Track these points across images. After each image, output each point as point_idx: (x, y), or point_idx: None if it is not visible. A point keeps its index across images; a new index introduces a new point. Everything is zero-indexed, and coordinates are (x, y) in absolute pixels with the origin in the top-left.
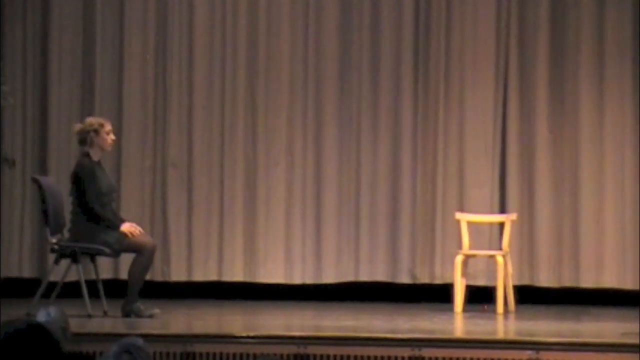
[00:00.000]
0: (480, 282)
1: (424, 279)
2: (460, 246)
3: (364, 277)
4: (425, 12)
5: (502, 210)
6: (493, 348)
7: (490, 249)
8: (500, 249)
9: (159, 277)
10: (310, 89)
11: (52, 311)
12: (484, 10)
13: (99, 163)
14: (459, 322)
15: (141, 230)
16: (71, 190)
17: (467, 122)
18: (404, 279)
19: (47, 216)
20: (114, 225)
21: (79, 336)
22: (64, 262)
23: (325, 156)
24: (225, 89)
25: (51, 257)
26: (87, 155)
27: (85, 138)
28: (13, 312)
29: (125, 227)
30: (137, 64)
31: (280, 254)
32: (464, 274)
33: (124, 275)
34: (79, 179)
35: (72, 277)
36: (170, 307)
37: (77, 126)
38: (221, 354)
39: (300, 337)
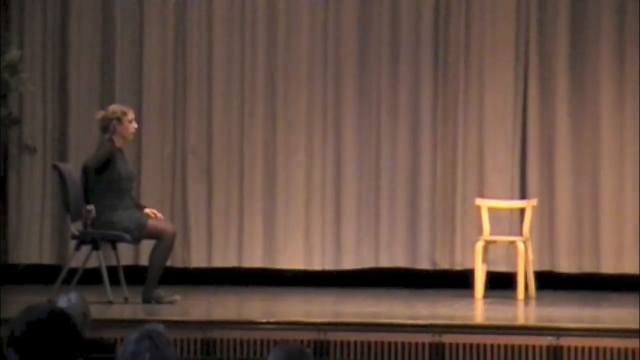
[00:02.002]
0: (501, 268)
1: (444, 265)
2: (480, 232)
3: (384, 263)
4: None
5: (523, 196)
6: (513, 334)
7: (510, 235)
8: (521, 234)
9: (179, 264)
10: (329, 75)
11: (72, 297)
12: None
13: (120, 150)
14: (479, 308)
15: (161, 216)
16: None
17: (487, 109)
18: (424, 265)
19: (67, 203)
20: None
21: (100, 322)
22: (85, 249)
23: (345, 143)
24: (244, 76)
25: (72, 243)
26: (110, 140)
27: (108, 126)
28: (34, 299)
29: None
30: (156, 51)
31: (300, 240)
32: (485, 260)
33: (144, 261)
34: (96, 154)
35: (92, 263)
36: (190, 293)
37: (100, 113)
38: (241, 340)
39: (320, 324)
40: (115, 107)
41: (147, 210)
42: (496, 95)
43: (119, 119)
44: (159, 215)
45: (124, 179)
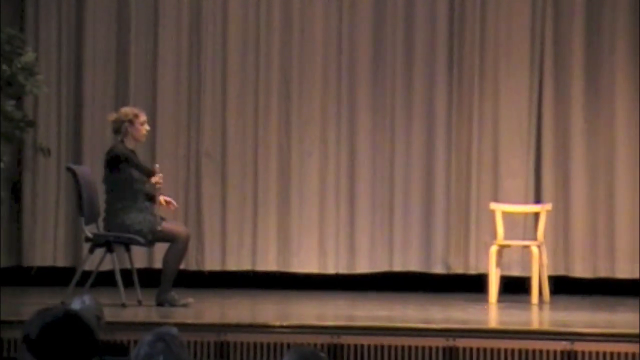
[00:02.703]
0: (515, 272)
1: (458, 269)
2: (494, 236)
3: (397, 267)
4: (460, 1)
5: (537, 200)
6: (528, 338)
7: (524, 239)
8: (535, 239)
9: (193, 267)
10: (343, 78)
11: (86, 300)
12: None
13: (133, 152)
14: (493, 313)
15: (176, 204)
16: (105, 178)
17: (502, 112)
18: (438, 269)
19: (81, 205)
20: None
21: (113, 325)
22: (99, 251)
23: (359, 146)
24: (258, 78)
25: (86, 246)
26: (122, 142)
27: (120, 127)
28: (48, 301)
29: (156, 178)
30: (171, 53)
31: (314, 243)
32: (499, 264)
33: (158, 264)
34: (116, 157)
35: (106, 266)
36: (204, 296)
37: (112, 115)
38: (254, 343)
39: (334, 327)
40: (127, 109)
41: (162, 198)
42: (511, 99)
43: (131, 121)
44: (174, 203)
45: (137, 181)
